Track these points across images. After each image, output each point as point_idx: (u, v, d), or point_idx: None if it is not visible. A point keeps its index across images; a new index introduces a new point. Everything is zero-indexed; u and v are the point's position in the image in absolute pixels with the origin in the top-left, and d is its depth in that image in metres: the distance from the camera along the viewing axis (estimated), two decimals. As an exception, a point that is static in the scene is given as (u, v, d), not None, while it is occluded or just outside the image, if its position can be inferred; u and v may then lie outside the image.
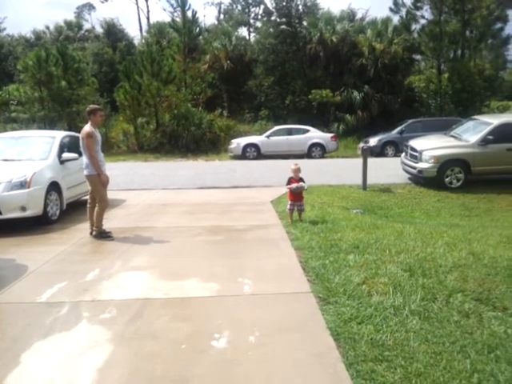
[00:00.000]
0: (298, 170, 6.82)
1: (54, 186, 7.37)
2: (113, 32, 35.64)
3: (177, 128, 21.65)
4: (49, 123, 20.63)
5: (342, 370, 2.76)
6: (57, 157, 7.80)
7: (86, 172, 6.31)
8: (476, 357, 2.83)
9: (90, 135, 6.16)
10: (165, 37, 30.35)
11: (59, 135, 8.43)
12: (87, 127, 6.24)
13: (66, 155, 7.92)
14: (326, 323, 3.36)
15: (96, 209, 6.31)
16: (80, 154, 8.26)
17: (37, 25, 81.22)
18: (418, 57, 29.04)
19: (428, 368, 2.72)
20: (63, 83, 21.31)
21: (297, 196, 6.75)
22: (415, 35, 27.54)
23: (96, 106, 6.67)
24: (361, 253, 4.93)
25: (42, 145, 8.05)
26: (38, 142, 8.26)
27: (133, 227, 6.92)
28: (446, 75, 25.98)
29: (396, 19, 27.58)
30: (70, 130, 16.24)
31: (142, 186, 11.55)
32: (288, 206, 6.81)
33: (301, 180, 6.79)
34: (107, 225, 6.52)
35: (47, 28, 38.19)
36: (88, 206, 6.55)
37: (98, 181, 6.27)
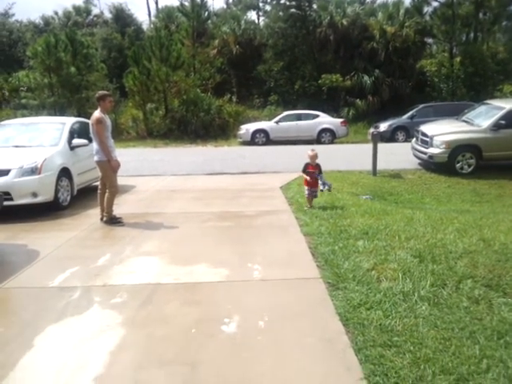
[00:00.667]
0: (315, 157, 6.73)
1: (64, 172, 7.42)
2: (121, 17, 35.44)
3: (186, 114, 21.62)
4: (59, 109, 20.70)
5: (351, 355, 2.77)
6: (67, 143, 7.83)
7: (96, 158, 6.33)
8: (485, 343, 2.83)
9: (99, 121, 6.17)
10: (173, 21, 30.15)
11: (69, 121, 8.46)
12: (97, 113, 6.25)
13: (76, 141, 7.95)
14: (335, 309, 3.38)
15: (106, 195, 6.34)
16: (90, 140, 8.31)
17: (45, 10, 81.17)
18: (430, 40, 28.60)
19: (437, 353, 2.72)
20: (72, 69, 21.33)
21: (313, 182, 6.70)
22: (427, 18, 27.10)
23: (105, 92, 6.65)
24: (370, 239, 4.92)
25: (52, 131, 8.09)
26: (49, 128, 8.30)
27: (143, 213, 6.96)
28: (458, 59, 25.57)
29: (408, 1, 27.22)
30: (79, 116, 16.29)
31: (152, 171, 11.59)
32: (306, 192, 6.76)
33: (317, 166, 6.74)
34: (117, 210, 6.57)
35: (56, 13, 38.16)
36: (99, 191, 6.57)
37: (108, 167, 6.29)
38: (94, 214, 6.76)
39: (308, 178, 6.68)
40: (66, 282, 4.15)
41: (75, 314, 3.49)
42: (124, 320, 3.37)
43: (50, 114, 18.78)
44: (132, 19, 36.70)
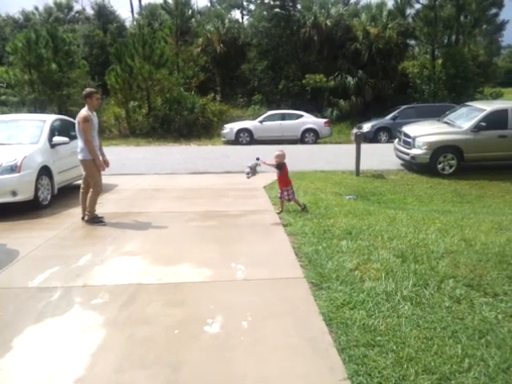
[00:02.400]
0: (279, 157, 6.39)
1: (44, 171, 7.29)
2: (104, 14, 35.00)
3: (169, 112, 21.48)
4: (39, 106, 20.36)
5: (335, 355, 2.77)
6: (47, 141, 7.69)
7: (80, 156, 6.21)
8: (467, 342, 2.86)
9: (86, 119, 6.04)
10: (157, 19, 29.96)
11: (50, 119, 8.31)
12: (84, 111, 6.13)
13: (56, 139, 7.82)
14: (318, 308, 3.38)
15: (90, 194, 6.24)
16: (71, 138, 8.19)
17: (25, 5, 79.63)
18: (413, 42, 28.95)
19: (419, 353, 2.74)
20: (53, 66, 21.00)
21: (281, 181, 6.41)
22: (410, 20, 27.43)
23: (92, 89, 6.45)
24: (353, 239, 4.94)
25: (32, 128, 7.94)
26: (29, 125, 8.14)
27: (125, 212, 6.88)
28: (440, 61, 25.95)
29: (391, 3, 27.53)
30: (60, 113, 16.07)
31: (135, 170, 11.48)
32: (278, 194, 6.54)
33: (277, 166, 6.36)
34: (99, 210, 6.48)
35: (36, 9, 37.60)
36: (81, 190, 6.46)
37: (93, 166, 6.19)
38: (74, 213, 6.66)
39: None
40: (46, 283, 4.07)
41: (55, 315, 3.42)
42: (105, 321, 3.32)
43: (30, 111, 18.47)
44: (114, 16, 36.28)
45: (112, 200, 7.90)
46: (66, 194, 8.04)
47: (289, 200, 6.44)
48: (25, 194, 6.78)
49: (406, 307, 3.31)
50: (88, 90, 6.40)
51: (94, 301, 3.67)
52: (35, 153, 7.24)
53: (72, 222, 6.30)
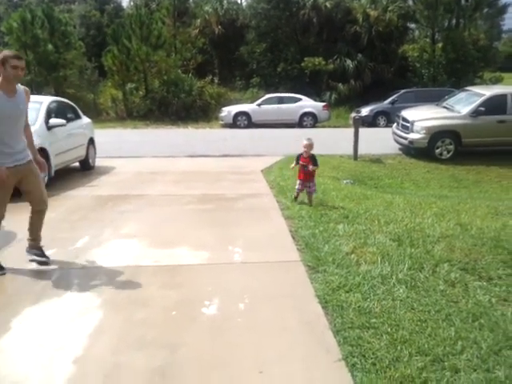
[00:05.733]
0: (309, 146, 5.86)
1: (41, 153, 7.22)
2: (100, -6, 34.51)
3: (166, 95, 21.31)
4: (35, 88, 20.15)
5: (330, 337, 2.81)
6: (44, 123, 7.63)
7: None
8: (460, 325, 2.90)
9: None
10: (154, -1, 29.52)
11: (46, 100, 8.23)
12: None
13: (53, 121, 7.75)
14: (314, 291, 3.41)
15: None
16: (68, 120, 8.14)
17: (21, -16, 78.16)
18: (413, 25, 28.72)
19: (413, 335, 2.78)
20: (49, 47, 20.75)
21: (306, 175, 5.86)
22: (410, 3, 27.12)
23: (7, 52, 3.79)
24: (350, 222, 4.97)
25: (28, 110, 7.85)
26: (25, 107, 8.06)
27: (123, 195, 6.88)
28: (440, 45, 25.74)
29: (391, -14, 27.03)
30: (57, 95, 15.91)
31: (132, 153, 11.43)
32: (297, 186, 6.01)
33: (312, 158, 5.86)
34: (97, 192, 6.47)
35: (31, -12, 36.83)
36: None
37: None
38: (72, 196, 6.66)
39: (310, 168, 5.82)
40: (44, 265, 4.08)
41: (53, 297, 3.45)
42: (103, 303, 3.34)
43: (26, 93, 18.28)
44: (112, -4, 35.78)
45: (110, 182, 7.90)
46: (63, 176, 8.02)
47: (313, 192, 5.96)
48: (22, 176, 6.74)
49: (401, 290, 3.35)
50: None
51: (91, 282, 3.68)
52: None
53: (69, 204, 6.30)
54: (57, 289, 3.59)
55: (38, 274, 3.87)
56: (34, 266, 4.05)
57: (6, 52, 3.82)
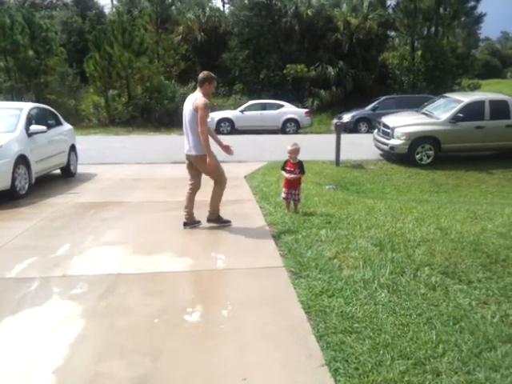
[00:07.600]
0: (295, 151, 5.64)
1: (21, 160, 7.14)
2: (82, 0, 34.26)
3: (149, 101, 21.25)
4: (16, 94, 19.91)
5: (313, 342, 2.82)
6: (24, 129, 7.53)
7: (193, 152, 5.25)
8: (441, 328, 2.93)
9: (207, 106, 4.96)
10: (136, 6, 29.52)
11: (27, 107, 8.13)
12: (201, 97, 4.94)
13: (34, 128, 7.66)
14: (297, 297, 3.42)
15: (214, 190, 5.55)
16: (48, 127, 8.04)
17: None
18: (393, 33, 29.18)
19: (395, 339, 2.80)
20: (30, 53, 20.54)
21: (292, 183, 5.63)
22: (390, 11, 27.58)
23: (212, 74, 5.09)
24: (333, 228, 4.99)
25: (8, 117, 7.75)
26: (5, 113, 7.94)
27: (105, 202, 6.81)
28: (420, 52, 26.18)
29: (371, -6, 27.47)
30: (37, 101, 15.73)
31: (114, 160, 11.32)
32: (282, 195, 5.78)
33: (299, 164, 5.66)
34: (78, 199, 6.40)
35: (10, -8, 36.38)
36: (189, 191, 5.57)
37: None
38: (52, 203, 6.57)
39: (286, 176, 5.65)
40: (24, 273, 4.01)
41: (33, 306, 3.39)
42: (84, 311, 3.30)
43: (6, 99, 18.02)
44: (93, 3, 35.64)
45: (91, 189, 7.81)
46: (44, 184, 7.91)
47: (299, 200, 5.74)
48: (1, 184, 6.64)
49: (383, 294, 3.38)
50: (206, 73, 5.08)
51: (72, 291, 3.63)
52: (12, 142, 7.09)
53: (50, 211, 6.21)
54: (37, 297, 3.53)
55: (17, 283, 3.80)
56: (13, 274, 3.98)
57: (210, 73, 4.89)
